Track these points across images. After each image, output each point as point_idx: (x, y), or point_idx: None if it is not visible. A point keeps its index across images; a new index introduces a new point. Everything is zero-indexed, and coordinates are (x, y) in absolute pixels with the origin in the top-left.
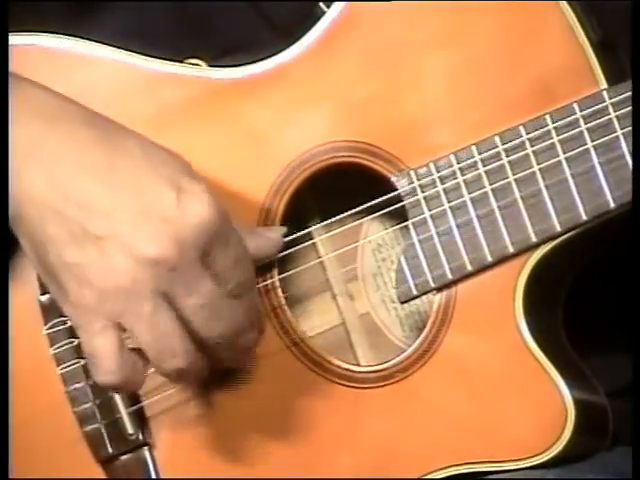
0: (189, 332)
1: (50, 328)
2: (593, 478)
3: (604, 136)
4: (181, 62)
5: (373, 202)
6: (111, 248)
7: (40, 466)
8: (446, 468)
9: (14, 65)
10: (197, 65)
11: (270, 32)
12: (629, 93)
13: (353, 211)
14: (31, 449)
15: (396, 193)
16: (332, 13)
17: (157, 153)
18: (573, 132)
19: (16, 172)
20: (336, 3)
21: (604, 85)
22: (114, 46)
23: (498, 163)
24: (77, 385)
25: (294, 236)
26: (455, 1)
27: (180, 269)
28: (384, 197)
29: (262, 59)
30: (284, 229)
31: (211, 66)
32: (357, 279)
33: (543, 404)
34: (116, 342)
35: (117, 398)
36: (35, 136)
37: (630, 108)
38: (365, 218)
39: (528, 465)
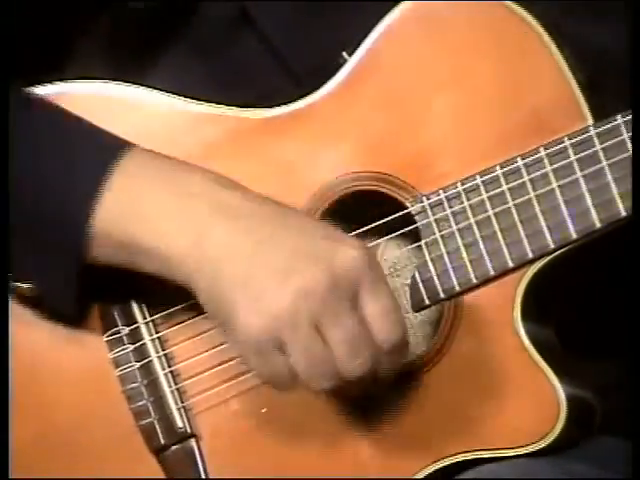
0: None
1: (109, 336)
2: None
3: (591, 166)
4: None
5: (388, 219)
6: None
7: (98, 457)
8: (456, 454)
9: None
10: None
11: (295, 85)
12: (614, 123)
13: (367, 228)
14: (89, 442)
15: (406, 212)
16: (354, 60)
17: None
18: (564, 162)
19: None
20: (357, 52)
21: (590, 121)
22: (160, 90)
23: (499, 190)
24: (133, 385)
25: None
26: (458, 48)
27: (330, 302)
28: (396, 214)
29: (291, 101)
30: None
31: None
32: None
33: (539, 400)
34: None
35: (168, 396)
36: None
37: (615, 140)
38: (382, 239)
39: (525, 452)
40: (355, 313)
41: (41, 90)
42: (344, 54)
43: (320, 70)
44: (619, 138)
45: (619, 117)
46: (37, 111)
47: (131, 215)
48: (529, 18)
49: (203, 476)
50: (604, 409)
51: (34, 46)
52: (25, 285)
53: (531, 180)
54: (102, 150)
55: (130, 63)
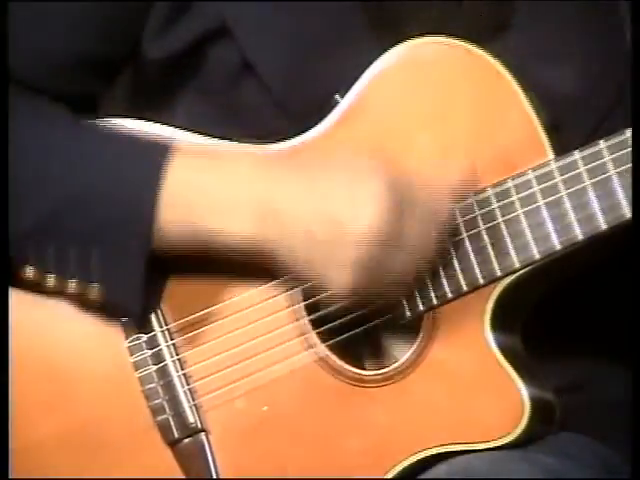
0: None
1: (131, 342)
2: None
3: (550, 196)
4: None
5: None
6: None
7: (119, 449)
8: (433, 447)
9: None
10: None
11: (291, 126)
12: (572, 158)
13: None
14: (111, 436)
15: None
16: (345, 102)
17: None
18: (527, 192)
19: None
20: (348, 94)
21: (552, 156)
22: (178, 127)
23: (489, 207)
24: (151, 385)
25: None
26: (438, 91)
27: (391, 230)
28: None
29: (287, 138)
30: None
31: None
32: None
33: (506, 400)
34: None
35: (181, 395)
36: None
37: (572, 173)
38: None
39: (494, 446)
40: (410, 218)
41: None
42: (336, 96)
43: (314, 113)
44: (576, 171)
45: (576, 153)
46: (87, 128)
47: (195, 201)
48: (500, 66)
49: (212, 466)
50: (563, 407)
51: (64, 98)
52: (91, 290)
53: (519, 199)
54: (156, 148)
55: (147, 107)
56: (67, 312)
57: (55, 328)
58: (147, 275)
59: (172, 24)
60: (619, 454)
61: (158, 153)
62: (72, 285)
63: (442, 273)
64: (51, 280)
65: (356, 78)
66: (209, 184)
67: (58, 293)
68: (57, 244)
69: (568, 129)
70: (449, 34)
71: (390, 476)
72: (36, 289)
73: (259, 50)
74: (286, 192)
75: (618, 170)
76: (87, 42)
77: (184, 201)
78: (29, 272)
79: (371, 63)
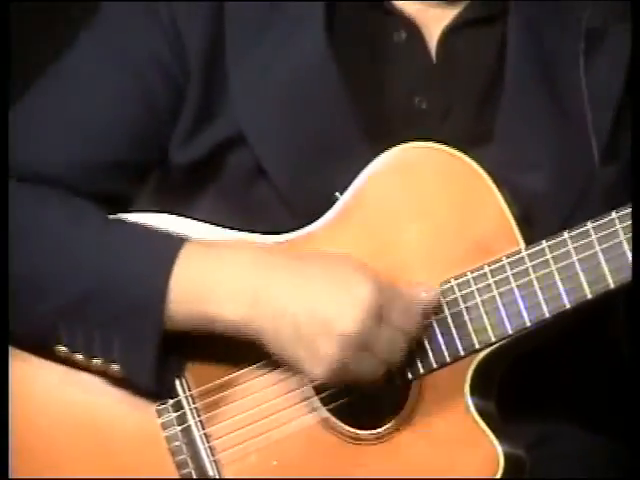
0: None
1: (159, 405)
2: None
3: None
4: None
5: None
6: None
7: None
8: None
9: None
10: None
11: (297, 220)
12: (540, 246)
13: None
14: None
15: None
16: (344, 198)
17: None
18: (501, 276)
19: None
20: (347, 192)
21: (523, 245)
22: (199, 220)
23: (469, 289)
24: (176, 443)
25: None
26: (424, 189)
27: (369, 334)
28: None
29: (293, 230)
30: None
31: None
32: None
33: (483, 456)
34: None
35: (202, 452)
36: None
37: (541, 259)
38: None
39: None
40: (387, 327)
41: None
42: (337, 194)
43: (317, 209)
44: (543, 258)
45: (543, 242)
46: (113, 227)
47: (198, 291)
48: (477, 166)
49: None
50: (532, 460)
51: (98, 197)
52: (113, 368)
53: (494, 281)
54: (168, 247)
55: (171, 206)
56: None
57: (96, 390)
58: (160, 356)
59: (196, 133)
60: None
61: (169, 252)
62: (97, 363)
63: (428, 347)
64: (79, 357)
65: (353, 178)
66: (211, 277)
67: (84, 367)
68: (85, 327)
69: (538, 222)
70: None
71: None
72: (64, 361)
73: (270, 156)
74: (279, 284)
75: (580, 257)
76: (120, 150)
77: (188, 293)
78: (60, 350)
79: (366, 165)
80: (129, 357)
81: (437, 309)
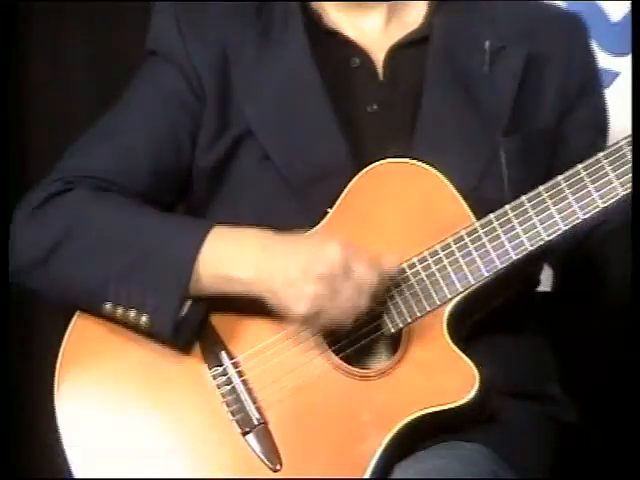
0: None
1: (212, 369)
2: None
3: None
4: None
5: None
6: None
7: (204, 439)
8: (417, 411)
9: None
10: None
11: (300, 206)
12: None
13: None
14: (201, 432)
15: None
16: (332, 211)
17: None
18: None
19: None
20: (335, 205)
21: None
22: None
23: (449, 249)
24: (229, 397)
25: None
26: (398, 197)
27: (339, 277)
28: None
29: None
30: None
31: None
32: None
33: (463, 375)
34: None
35: (248, 401)
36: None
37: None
38: None
39: (459, 405)
40: (352, 273)
41: None
42: (328, 210)
43: (317, 186)
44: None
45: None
46: (153, 212)
47: (223, 258)
48: (434, 169)
49: (275, 445)
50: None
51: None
52: (142, 319)
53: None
54: (200, 222)
55: (197, 215)
56: (168, 353)
57: (160, 364)
58: (181, 306)
59: (215, 140)
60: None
61: (203, 228)
62: (132, 315)
63: (413, 301)
64: (119, 312)
65: (340, 193)
66: (229, 250)
67: (122, 321)
68: (128, 285)
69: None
70: None
71: (392, 433)
72: (107, 319)
73: (274, 145)
74: (276, 253)
75: (508, 236)
76: (162, 157)
77: (213, 261)
78: (105, 307)
79: (349, 181)
80: (157, 304)
81: (410, 267)
